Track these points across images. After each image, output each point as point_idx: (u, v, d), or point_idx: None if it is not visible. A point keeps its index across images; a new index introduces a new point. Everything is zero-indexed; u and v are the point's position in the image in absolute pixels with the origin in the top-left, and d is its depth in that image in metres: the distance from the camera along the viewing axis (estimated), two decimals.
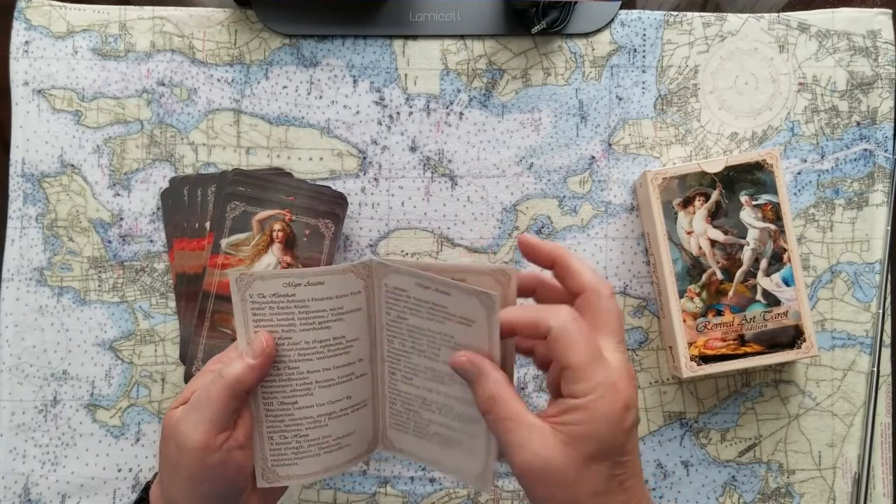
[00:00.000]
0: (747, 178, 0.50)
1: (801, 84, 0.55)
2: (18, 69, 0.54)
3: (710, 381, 0.54)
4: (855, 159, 0.54)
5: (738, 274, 0.50)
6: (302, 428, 0.40)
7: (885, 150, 0.54)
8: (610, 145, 0.55)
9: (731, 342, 0.49)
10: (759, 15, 0.55)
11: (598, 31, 0.55)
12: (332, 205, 0.52)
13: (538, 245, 0.38)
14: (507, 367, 0.37)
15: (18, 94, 0.54)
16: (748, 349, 0.49)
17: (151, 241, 0.54)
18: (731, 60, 0.55)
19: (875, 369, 0.53)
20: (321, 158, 0.55)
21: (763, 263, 0.50)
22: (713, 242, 0.50)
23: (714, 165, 0.50)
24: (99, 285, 0.54)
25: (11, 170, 0.54)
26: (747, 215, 0.50)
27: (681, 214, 0.50)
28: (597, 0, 0.54)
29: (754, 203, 0.50)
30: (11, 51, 0.54)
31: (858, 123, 0.55)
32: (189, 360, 0.51)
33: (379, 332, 0.41)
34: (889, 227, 0.54)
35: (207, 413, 0.36)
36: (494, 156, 0.55)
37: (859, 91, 0.55)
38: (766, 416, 0.54)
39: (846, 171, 0.54)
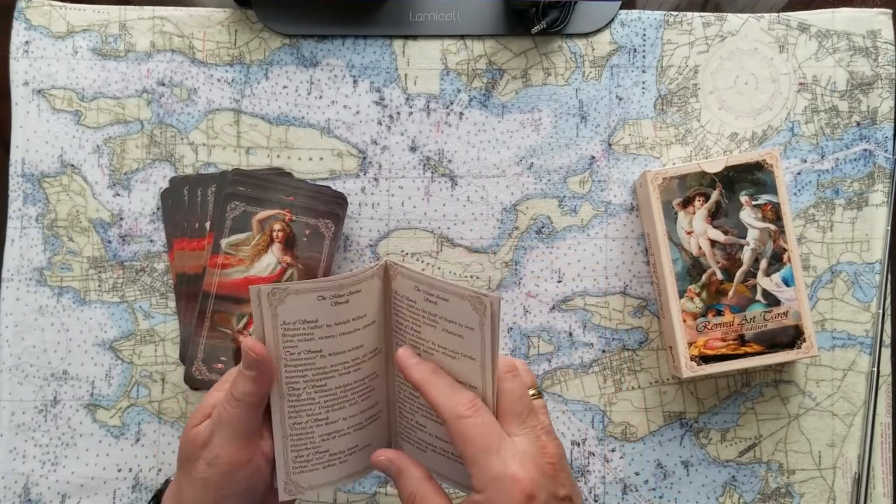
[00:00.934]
0: (747, 178, 0.50)
1: (801, 84, 0.55)
2: (18, 69, 0.54)
3: (710, 381, 0.54)
4: (855, 159, 0.54)
5: (738, 274, 0.50)
6: (326, 441, 0.40)
7: (885, 150, 0.54)
8: (610, 145, 0.55)
9: (731, 342, 0.49)
10: (759, 15, 0.55)
11: (598, 31, 0.55)
12: (332, 205, 0.52)
13: (405, 370, 0.38)
14: (494, 381, 0.37)
15: (18, 94, 0.54)
16: (748, 349, 0.49)
17: (151, 241, 0.54)
18: (731, 60, 0.55)
19: (875, 369, 0.53)
20: (321, 158, 0.55)
21: (763, 263, 0.50)
22: (713, 242, 0.50)
23: (714, 165, 0.50)
24: (99, 285, 0.54)
25: (11, 170, 0.54)
26: (747, 215, 0.50)
27: (681, 214, 0.50)
28: (597, 0, 0.54)
29: (754, 203, 0.50)
30: (11, 51, 0.54)
31: (858, 123, 0.55)
32: (189, 360, 0.51)
33: (391, 336, 0.41)
34: (889, 227, 0.54)
35: (231, 432, 0.37)
36: (494, 156, 0.55)
37: (859, 91, 0.55)
38: (766, 416, 0.54)
39: (846, 171, 0.54)
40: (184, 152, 0.54)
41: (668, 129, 0.55)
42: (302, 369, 0.38)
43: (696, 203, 0.50)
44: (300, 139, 0.55)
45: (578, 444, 0.53)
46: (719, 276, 0.50)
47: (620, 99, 0.55)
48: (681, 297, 0.50)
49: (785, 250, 0.50)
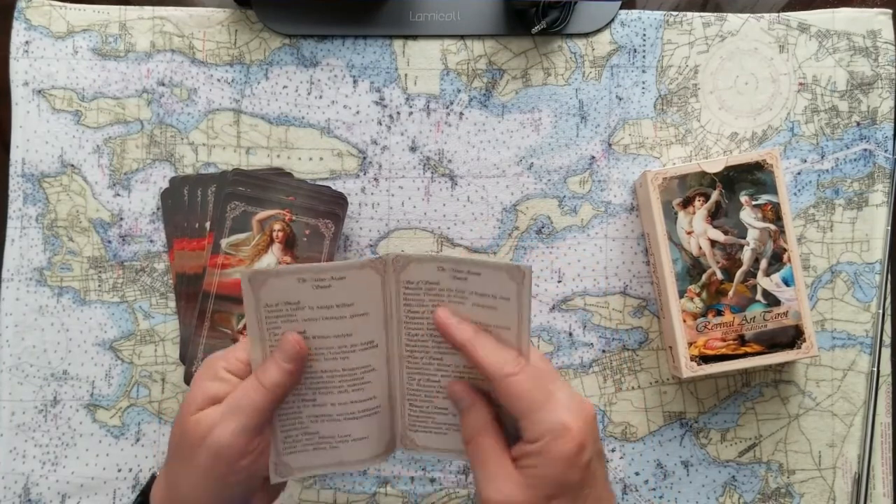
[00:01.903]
0: (747, 178, 0.50)
1: (801, 84, 0.55)
2: (18, 69, 0.54)
3: (710, 381, 0.54)
4: (855, 159, 0.54)
5: (738, 274, 0.50)
6: (315, 423, 0.40)
7: (885, 150, 0.54)
8: (610, 145, 0.55)
9: (731, 342, 0.49)
10: (759, 15, 0.55)
11: (598, 31, 0.55)
12: (332, 205, 0.52)
13: (447, 329, 0.39)
14: (525, 343, 0.39)
15: (18, 94, 0.54)
16: (748, 349, 0.49)
17: (151, 241, 0.54)
18: (731, 60, 0.55)
19: (875, 369, 0.53)
20: (321, 158, 0.55)
21: (763, 263, 0.50)
22: (713, 242, 0.50)
23: (714, 165, 0.50)
24: (99, 285, 0.54)
25: (11, 170, 0.54)
26: (747, 215, 0.50)
27: (681, 214, 0.50)
28: (597, 0, 0.54)
29: (754, 203, 0.50)
30: (11, 51, 0.54)
31: (858, 123, 0.55)
32: (189, 360, 0.51)
33: (397, 328, 0.41)
34: (889, 227, 0.54)
35: (251, 420, 0.37)
36: (494, 156, 0.55)
37: (859, 91, 0.55)
38: (766, 416, 0.54)
39: (846, 171, 0.54)
40: (184, 152, 0.54)
41: (668, 129, 0.55)
42: None
43: (696, 203, 0.50)
44: (300, 139, 0.55)
45: None
46: (719, 276, 0.50)
47: (620, 99, 0.55)
48: (681, 297, 0.50)
49: (785, 250, 0.50)
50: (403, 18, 0.55)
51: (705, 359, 0.49)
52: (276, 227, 0.52)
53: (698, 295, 0.50)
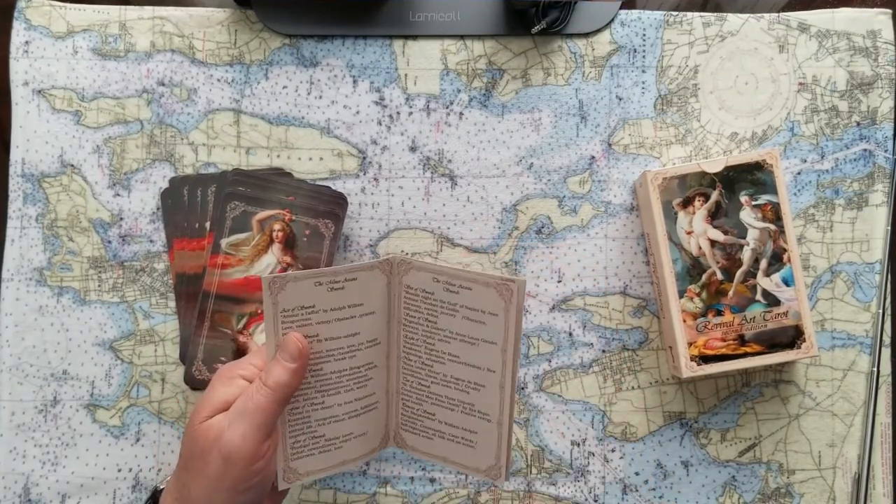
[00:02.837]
0: (747, 178, 0.50)
1: (801, 84, 0.55)
2: (18, 69, 0.54)
3: (710, 381, 0.54)
4: (855, 159, 0.54)
5: (738, 274, 0.50)
6: (322, 426, 0.40)
7: (885, 150, 0.54)
8: (610, 145, 0.55)
9: (731, 342, 0.49)
10: (759, 15, 0.55)
11: (598, 31, 0.55)
12: (332, 205, 0.52)
13: None
14: (515, 363, 0.38)
15: (18, 94, 0.54)
16: (748, 349, 0.49)
17: (151, 241, 0.54)
18: (731, 60, 0.55)
19: (875, 369, 0.53)
20: (321, 158, 0.55)
21: (763, 263, 0.50)
22: (713, 242, 0.50)
23: (714, 165, 0.50)
24: (99, 285, 0.54)
25: (11, 170, 0.54)
26: (747, 215, 0.50)
27: (681, 214, 0.50)
28: (597, 0, 0.54)
29: (754, 203, 0.50)
30: (11, 51, 0.54)
31: (858, 123, 0.55)
32: (189, 360, 0.51)
33: (398, 328, 0.41)
34: (889, 227, 0.54)
35: (257, 422, 0.37)
36: (494, 156, 0.55)
37: (859, 91, 0.55)
38: (766, 416, 0.54)
39: (846, 171, 0.54)
40: (184, 152, 0.54)
41: (668, 129, 0.55)
42: None
43: (696, 203, 0.50)
44: (300, 139, 0.55)
45: (578, 445, 0.53)
46: (719, 276, 0.50)
47: (620, 99, 0.55)
48: (681, 297, 0.50)
49: (785, 250, 0.50)
50: (403, 18, 0.55)
51: (705, 359, 0.49)
52: (276, 227, 0.52)
53: (698, 295, 0.50)
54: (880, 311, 0.53)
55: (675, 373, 0.52)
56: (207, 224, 0.53)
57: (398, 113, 0.55)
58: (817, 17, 0.55)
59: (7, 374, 0.53)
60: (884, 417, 0.53)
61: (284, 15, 0.54)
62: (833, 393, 0.54)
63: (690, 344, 0.49)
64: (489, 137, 0.55)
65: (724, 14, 0.55)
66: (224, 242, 0.51)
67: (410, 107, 0.55)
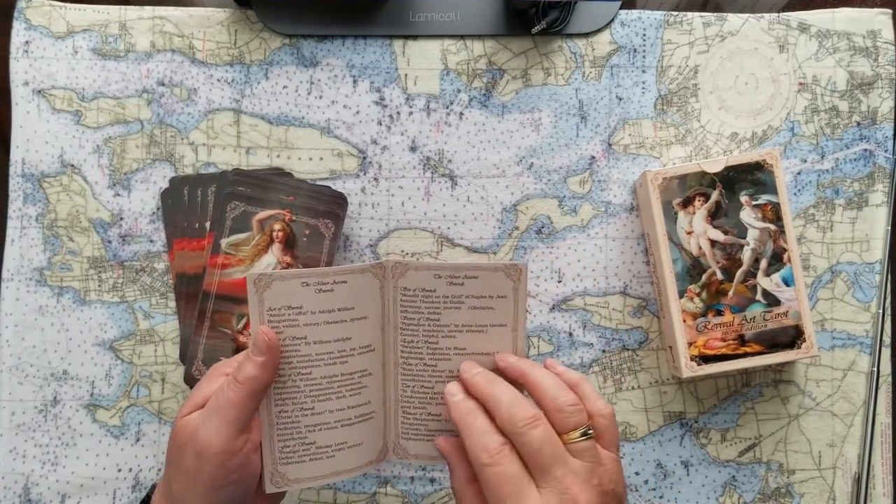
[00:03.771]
0: (747, 178, 0.50)
1: (801, 84, 0.55)
2: (18, 69, 0.54)
3: (710, 381, 0.54)
4: (855, 159, 0.54)
5: (738, 274, 0.50)
6: (313, 433, 0.40)
7: (885, 150, 0.54)
8: (610, 145, 0.55)
9: (731, 342, 0.49)
10: (759, 15, 0.55)
11: (598, 31, 0.55)
12: (332, 205, 0.52)
13: (447, 406, 0.39)
14: (521, 338, 0.40)
15: (18, 94, 0.54)
16: (748, 349, 0.49)
17: (151, 241, 0.54)
18: (731, 60, 0.55)
19: (875, 369, 0.53)
20: (321, 158, 0.55)
21: (763, 263, 0.50)
22: (713, 242, 0.50)
23: (714, 165, 0.50)
24: (99, 285, 0.54)
25: (11, 170, 0.54)
26: (747, 215, 0.50)
27: (681, 214, 0.50)
28: (597, 0, 0.54)
29: (754, 203, 0.50)
30: (11, 51, 0.54)
31: (858, 123, 0.55)
32: (189, 360, 0.51)
33: (393, 334, 0.41)
34: (889, 227, 0.54)
35: (228, 417, 0.37)
36: (494, 156, 0.55)
37: (859, 91, 0.55)
38: (766, 416, 0.54)
39: (846, 171, 0.54)
40: (184, 152, 0.54)
41: (668, 129, 0.55)
42: (288, 356, 0.39)
43: (696, 203, 0.50)
44: (300, 139, 0.55)
45: None
46: (719, 276, 0.50)
47: (620, 99, 0.55)
48: (681, 297, 0.50)
49: (785, 250, 0.50)
50: (403, 18, 0.55)
51: (705, 359, 0.49)
52: (276, 227, 0.52)
53: (698, 295, 0.50)
54: (880, 311, 0.53)
55: (675, 373, 0.52)
56: (207, 224, 0.53)
57: (398, 113, 0.55)
58: (817, 17, 0.55)
59: (7, 374, 0.53)
60: (884, 417, 0.53)
61: (284, 15, 0.54)
62: (833, 393, 0.54)
63: (690, 344, 0.49)
64: (489, 137, 0.55)
65: (724, 14, 0.55)
66: (224, 242, 0.51)
67: (410, 107, 0.55)
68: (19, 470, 0.52)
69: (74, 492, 0.52)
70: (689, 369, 0.49)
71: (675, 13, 0.55)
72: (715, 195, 0.50)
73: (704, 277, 0.50)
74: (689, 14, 0.55)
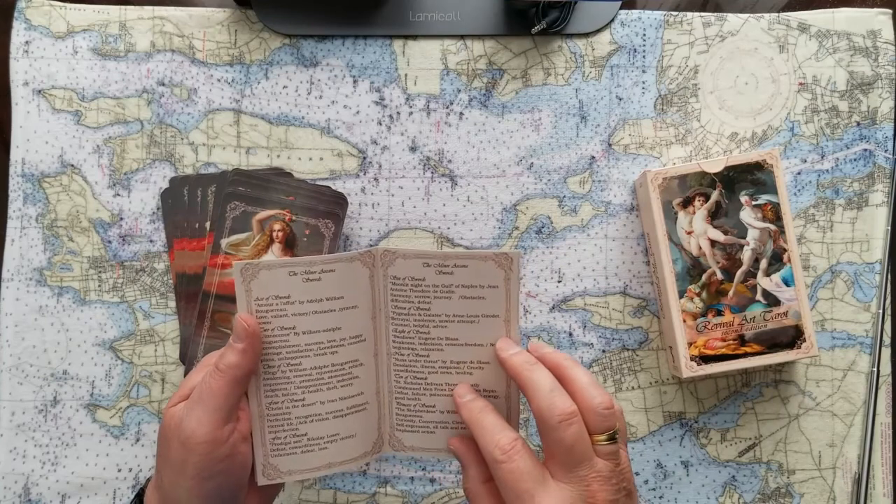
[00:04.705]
0: (747, 178, 0.50)
1: (801, 84, 0.55)
2: (18, 69, 0.54)
3: (710, 381, 0.54)
4: (855, 159, 0.54)
5: (738, 274, 0.50)
6: (304, 424, 0.40)
7: (885, 150, 0.54)
8: (610, 145, 0.55)
9: (731, 342, 0.49)
10: (759, 15, 0.55)
11: (598, 31, 0.55)
12: (332, 205, 0.52)
13: (457, 407, 0.39)
14: (514, 329, 0.39)
15: (18, 94, 0.54)
16: (748, 349, 0.49)
17: (151, 241, 0.54)
18: (731, 60, 0.55)
19: (875, 369, 0.53)
20: (321, 158, 0.55)
21: (763, 263, 0.50)
22: (713, 242, 0.50)
23: (714, 165, 0.50)
24: (99, 285, 0.54)
25: (11, 170, 0.54)
26: (747, 215, 0.50)
27: (681, 214, 0.50)
28: (597, 0, 0.54)
29: (754, 203, 0.50)
30: (11, 51, 0.54)
31: (858, 123, 0.55)
32: (189, 360, 0.51)
33: (384, 324, 0.41)
34: (889, 227, 0.54)
35: (211, 405, 0.36)
36: (494, 156, 0.55)
37: (859, 91, 0.55)
38: (766, 416, 0.54)
39: (846, 171, 0.54)
40: (184, 152, 0.54)
41: (668, 129, 0.55)
42: (277, 346, 0.39)
43: (696, 203, 0.50)
44: (300, 139, 0.55)
45: None
46: (719, 276, 0.50)
47: (620, 99, 0.55)
48: (681, 297, 0.50)
49: (785, 250, 0.50)
50: (403, 18, 0.55)
51: (705, 359, 0.49)
52: (276, 227, 0.52)
53: (698, 295, 0.50)
54: (880, 311, 0.53)
55: (675, 373, 0.52)
56: (207, 224, 0.53)
57: (398, 113, 0.55)
58: (817, 17, 0.55)
59: (7, 374, 0.53)
60: (884, 417, 0.53)
61: (284, 15, 0.54)
62: (833, 393, 0.54)
63: (690, 344, 0.49)
64: (489, 137, 0.55)
65: (724, 14, 0.55)
66: (224, 242, 0.51)
67: (410, 107, 0.55)
68: (19, 470, 0.52)
69: (74, 492, 0.52)
70: (689, 369, 0.49)
71: (675, 13, 0.55)
72: (715, 195, 0.50)
73: (704, 277, 0.50)
74: (689, 14, 0.55)
